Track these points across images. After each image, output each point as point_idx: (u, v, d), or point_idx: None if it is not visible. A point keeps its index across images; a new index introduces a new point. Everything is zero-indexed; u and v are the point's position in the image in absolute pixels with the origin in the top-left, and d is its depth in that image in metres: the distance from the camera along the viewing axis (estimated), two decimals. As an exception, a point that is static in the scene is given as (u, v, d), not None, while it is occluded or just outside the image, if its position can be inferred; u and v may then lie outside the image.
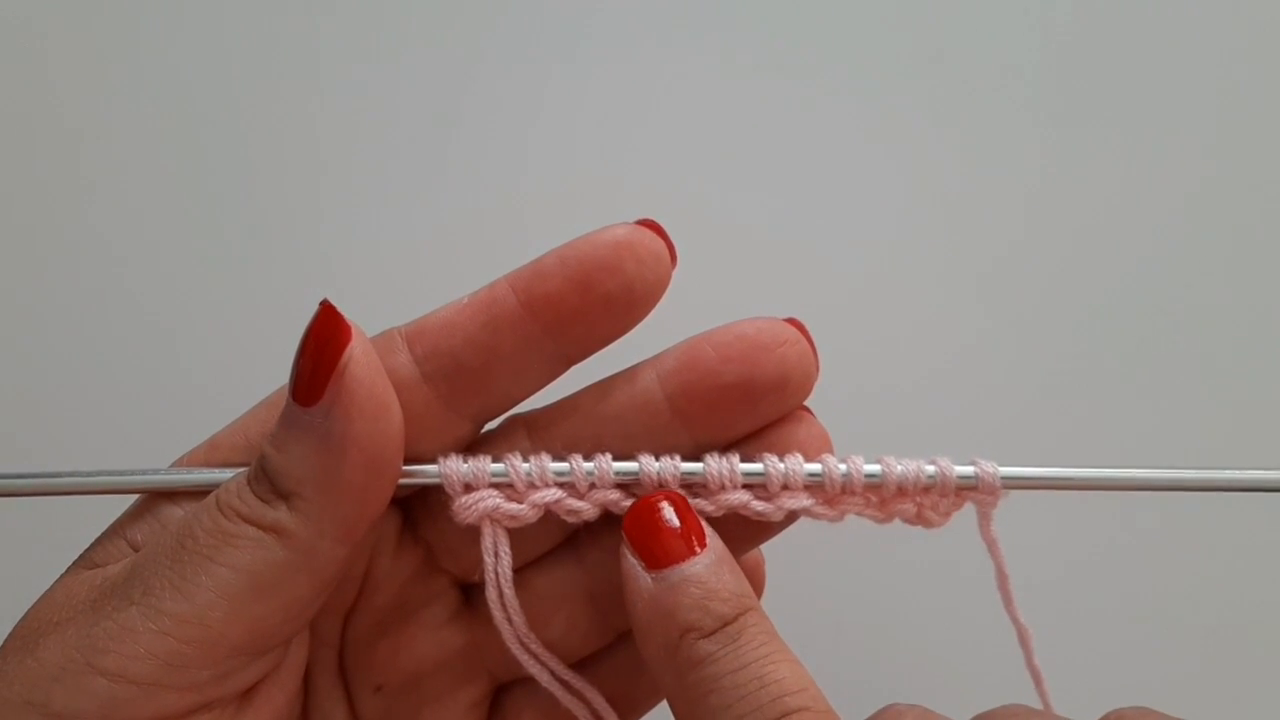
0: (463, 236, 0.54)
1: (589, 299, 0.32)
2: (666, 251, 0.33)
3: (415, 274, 0.53)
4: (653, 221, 0.33)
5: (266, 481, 0.30)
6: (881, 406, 0.53)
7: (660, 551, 0.32)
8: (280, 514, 0.30)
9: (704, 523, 0.33)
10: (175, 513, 0.32)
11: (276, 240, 0.52)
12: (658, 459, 0.34)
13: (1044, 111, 0.55)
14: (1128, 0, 0.55)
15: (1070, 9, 0.55)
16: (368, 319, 0.34)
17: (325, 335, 0.29)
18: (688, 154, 0.55)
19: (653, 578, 0.31)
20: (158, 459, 0.34)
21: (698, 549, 0.32)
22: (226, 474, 0.32)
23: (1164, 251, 0.55)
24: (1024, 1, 0.55)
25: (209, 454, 0.33)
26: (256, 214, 0.53)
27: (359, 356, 0.29)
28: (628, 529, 0.32)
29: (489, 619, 0.34)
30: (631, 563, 0.32)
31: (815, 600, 0.54)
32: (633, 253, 0.32)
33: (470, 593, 0.37)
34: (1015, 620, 0.38)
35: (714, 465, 0.34)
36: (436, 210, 0.54)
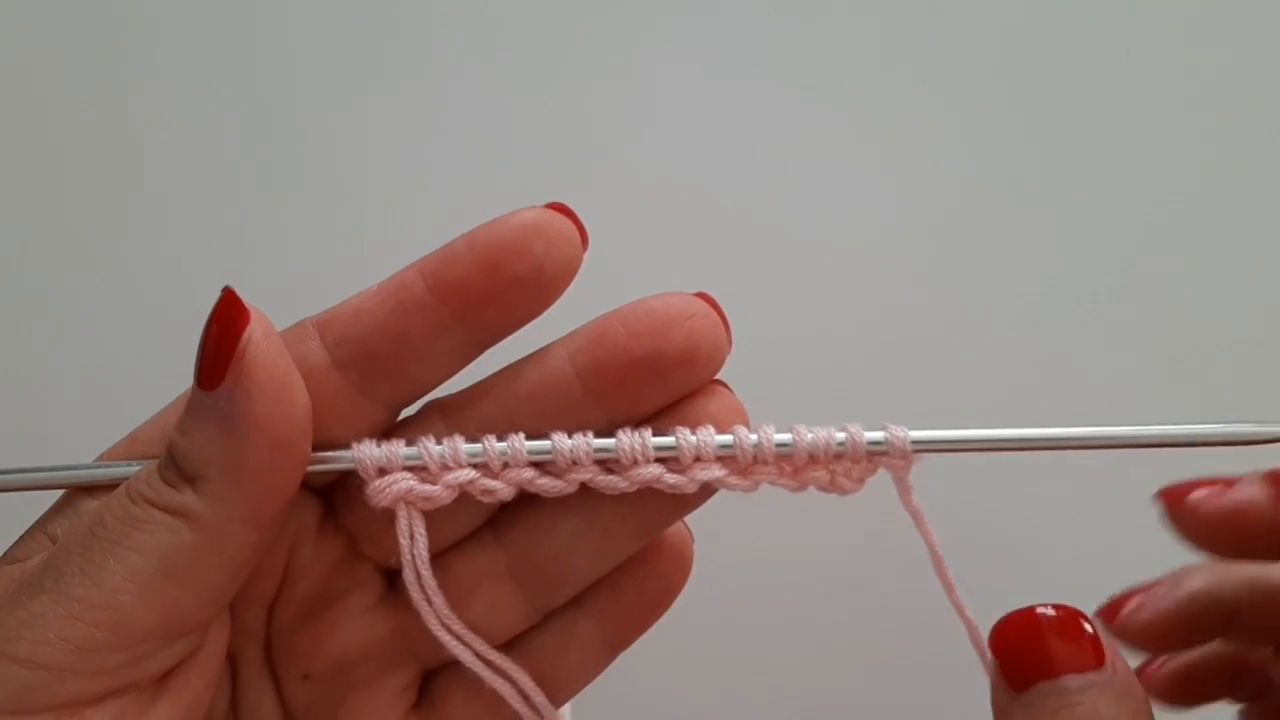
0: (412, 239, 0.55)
1: (497, 281, 0.32)
2: (577, 234, 0.33)
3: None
4: (563, 205, 0.34)
5: (173, 467, 0.31)
6: (806, 379, 0.53)
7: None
8: (186, 497, 0.30)
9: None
10: (94, 506, 0.33)
11: (206, 235, 0.53)
12: (570, 436, 0.34)
13: (954, 63, 0.56)
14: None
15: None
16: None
17: (225, 319, 0.30)
18: (613, 134, 0.56)
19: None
20: (81, 457, 0.35)
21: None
22: (141, 465, 0.32)
23: (1091, 213, 0.56)
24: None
25: (129, 449, 0.34)
26: (194, 207, 0.54)
27: (259, 339, 0.30)
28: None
29: (413, 602, 0.35)
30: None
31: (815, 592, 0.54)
32: (541, 235, 0.33)
33: (395, 580, 0.37)
34: (958, 608, 0.37)
35: (626, 440, 0.34)
36: (386, 211, 0.55)
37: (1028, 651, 0.31)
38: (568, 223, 0.33)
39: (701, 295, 0.35)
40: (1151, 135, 0.57)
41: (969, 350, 0.56)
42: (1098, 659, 0.30)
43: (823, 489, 0.35)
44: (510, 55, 0.55)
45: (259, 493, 0.31)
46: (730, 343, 0.35)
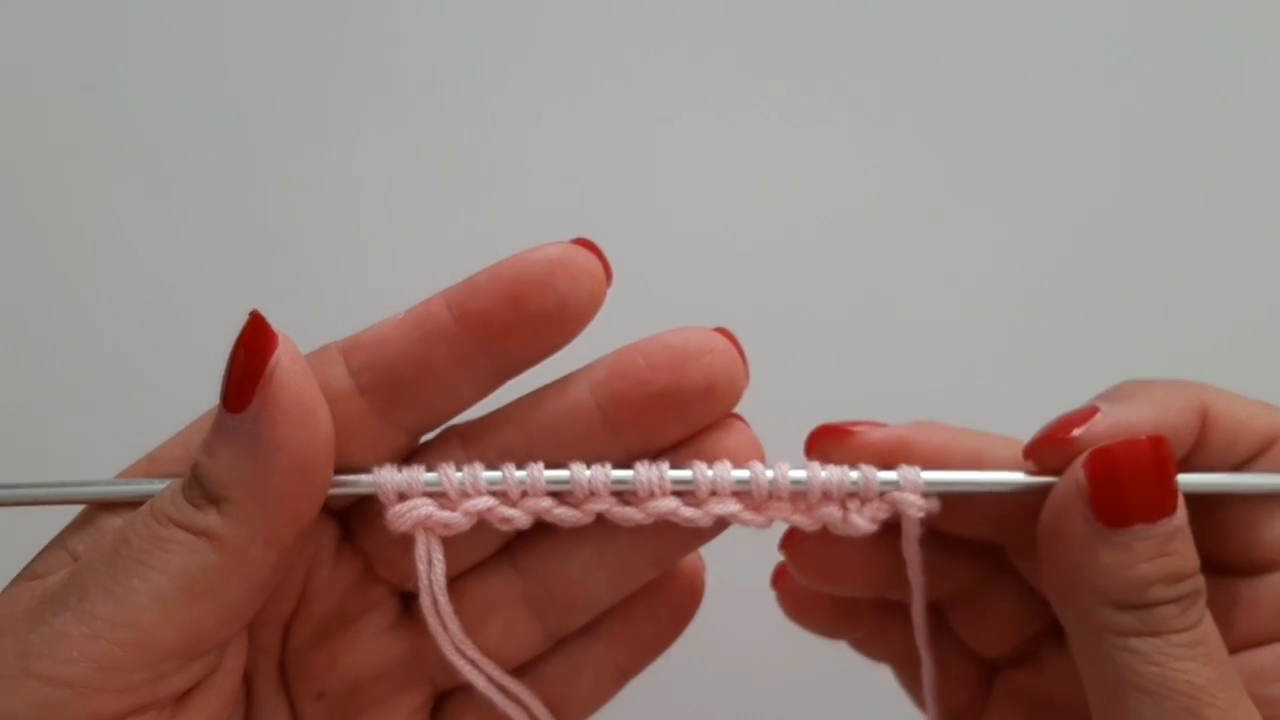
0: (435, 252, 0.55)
1: (521, 315, 0.33)
2: (601, 270, 0.34)
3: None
4: (588, 240, 0.34)
5: (198, 487, 0.31)
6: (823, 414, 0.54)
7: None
8: (211, 518, 0.31)
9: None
10: (115, 523, 0.33)
11: (231, 254, 0.54)
12: (589, 467, 0.35)
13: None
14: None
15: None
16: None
17: (253, 344, 0.31)
18: (639, 169, 0.56)
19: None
20: (101, 473, 0.35)
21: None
22: (164, 484, 0.33)
23: (1090, 232, 0.57)
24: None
25: (150, 467, 0.34)
26: (221, 227, 0.54)
27: (285, 363, 0.30)
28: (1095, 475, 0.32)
29: (429, 627, 0.35)
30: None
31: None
32: (566, 270, 0.33)
33: (410, 601, 0.37)
34: (922, 649, 0.38)
35: (643, 473, 0.35)
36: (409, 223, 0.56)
37: (1130, 488, 0.31)
38: (592, 258, 0.34)
39: (720, 330, 0.35)
40: (1150, 144, 0.57)
41: (979, 374, 0.57)
42: (1176, 500, 0.31)
43: (835, 527, 0.36)
44: (537, 89, 0.56)
45: (281, 515, 0.31)
46: (748, 377, 0.36)
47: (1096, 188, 0.58)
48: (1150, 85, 0.58)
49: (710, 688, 0.50)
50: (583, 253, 0.33)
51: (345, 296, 0.53)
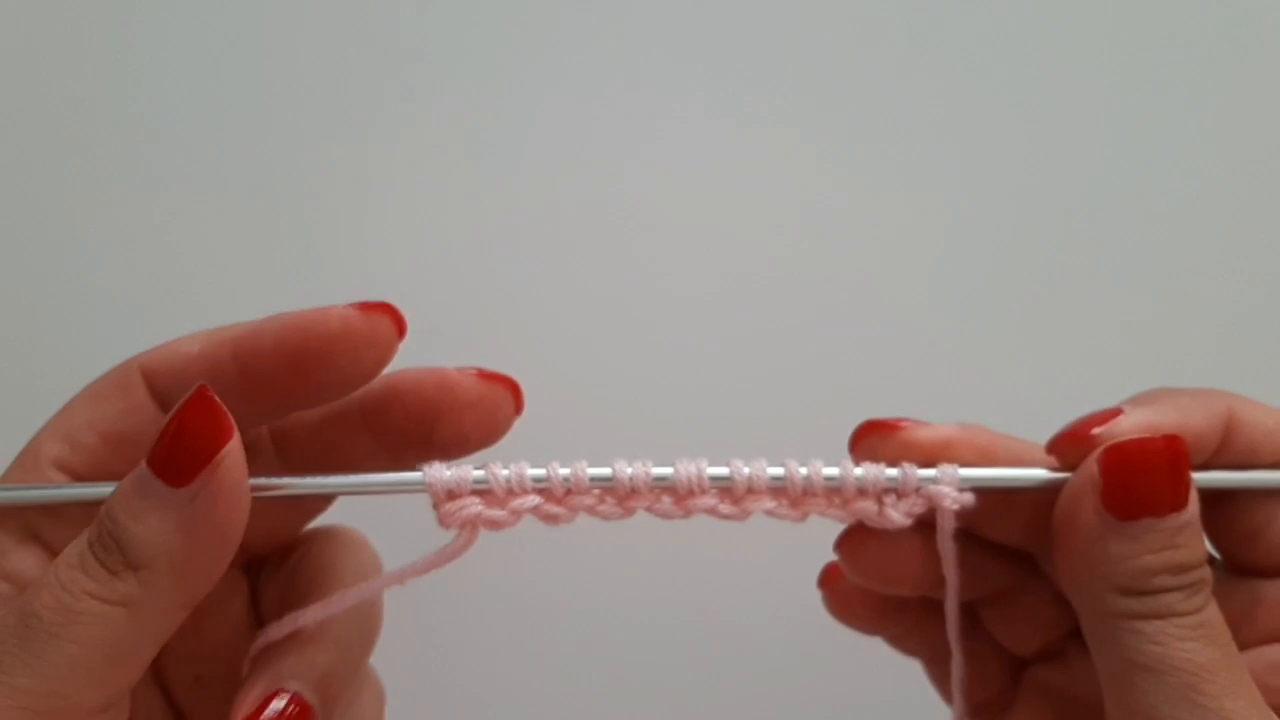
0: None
1: (301, 383, 0.34)
2: (391, 334, 0.34)
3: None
4: (382, 304, 0.34)
5: (117, 552, 0.30)
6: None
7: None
8: (129, 586, 0.30)
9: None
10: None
11: (223, 249, 0.55)
12: (629, 464, 0.36)
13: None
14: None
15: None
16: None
17: (206, 426, 0.31)
18: (641, 172, 0.57)
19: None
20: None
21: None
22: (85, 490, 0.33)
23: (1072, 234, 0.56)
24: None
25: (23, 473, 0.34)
26: (207, 223, 0.56)
27: (235, 452, 0.31)
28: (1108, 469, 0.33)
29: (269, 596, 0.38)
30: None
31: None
32: (349, 343, 0.34)
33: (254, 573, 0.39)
34: (952, 641, 0.38)
35: (683, 470, 0.36)
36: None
37: (1141, 483, 0.33)
38: (383, 323, 0.34)
39: (485, 375, 0.36)
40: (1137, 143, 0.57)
41: (980, 381, 0.57)
42: (1187, 496, 0.32)
43: (871, 521, 0.36)
44: (538, 93, 0.56)
45: (200, 583, 0.32)
46: (518, 412, 0.37)
47: (1087, 191, 0.58)
48: (1127, 85, 0.57)
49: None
50: (370, 321, 0.34)
51: (342, 296, 0.55)
